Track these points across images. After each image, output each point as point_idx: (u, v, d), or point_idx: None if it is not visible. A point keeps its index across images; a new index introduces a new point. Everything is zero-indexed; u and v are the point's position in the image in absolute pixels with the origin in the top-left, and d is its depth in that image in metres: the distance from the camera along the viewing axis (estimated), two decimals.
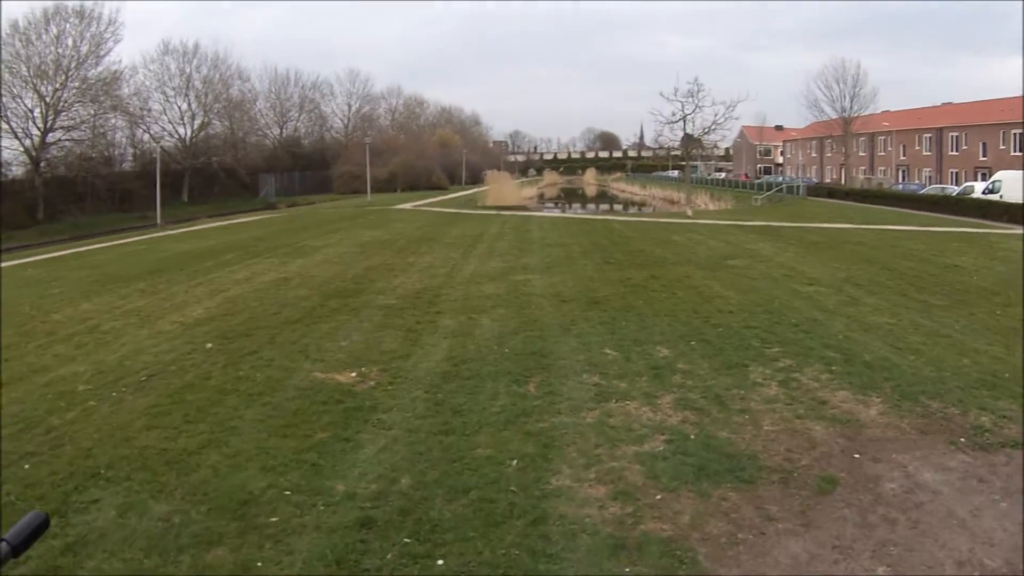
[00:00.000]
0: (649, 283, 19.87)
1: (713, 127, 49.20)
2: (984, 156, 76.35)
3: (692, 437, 9.20)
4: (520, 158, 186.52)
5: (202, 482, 8.24)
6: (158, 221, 60.34)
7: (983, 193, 50.41)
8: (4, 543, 2.10)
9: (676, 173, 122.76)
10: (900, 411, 10.08)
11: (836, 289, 18.73)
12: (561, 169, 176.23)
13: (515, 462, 8.46)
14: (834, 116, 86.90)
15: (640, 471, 8.26)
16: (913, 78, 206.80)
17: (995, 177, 52.13)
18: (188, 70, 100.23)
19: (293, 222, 48.77)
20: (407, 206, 63.13)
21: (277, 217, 57.71)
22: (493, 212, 54.57)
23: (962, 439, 9.11)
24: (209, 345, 14.07)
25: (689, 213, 46.47)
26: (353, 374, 11.70)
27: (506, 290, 19.35)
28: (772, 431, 9.44)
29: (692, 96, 49.08)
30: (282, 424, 9.91)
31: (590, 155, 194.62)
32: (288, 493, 7.93)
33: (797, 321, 15.16)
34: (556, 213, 56.76)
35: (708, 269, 22.25)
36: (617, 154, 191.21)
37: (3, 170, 77.21)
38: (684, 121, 49.33)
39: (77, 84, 79.57)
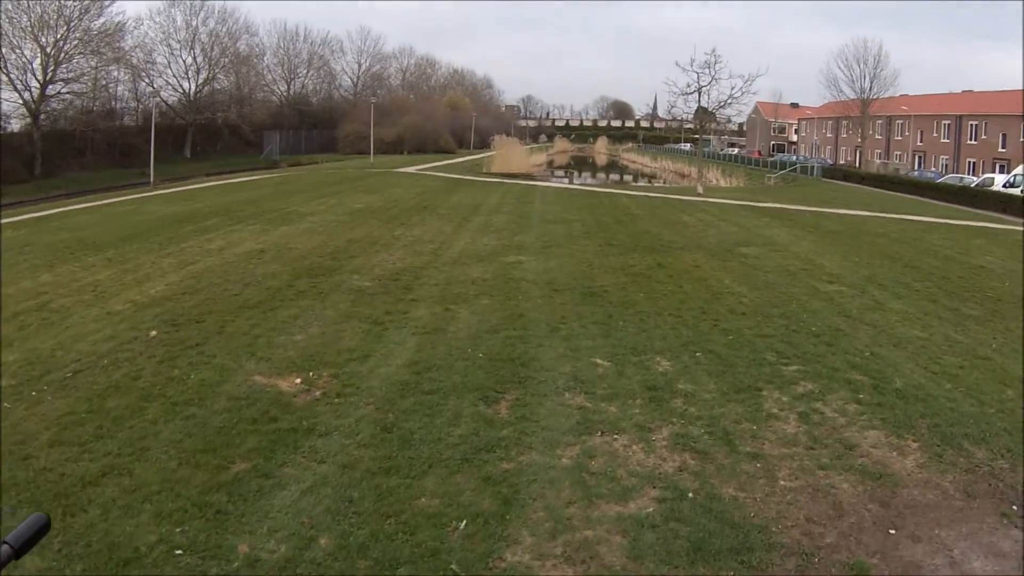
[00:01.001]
0: (654, 272, 18.16)
1: (729, 101, 47.07)
2: (1003, 147, 74.17)
3: (690, 495, 7.45)
4: (532, 124, 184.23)
5: (86, 528, 6.63)
6: (151, 180, 58.38)
7: (1004, 186, 48.70)
8: (6, 545, 2.09)
9: (688, 146, 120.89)
10: (941, 462, 8.36)
11: (859, 290, 16.95)
12: (572, 136, 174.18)
13: (463, 524, 6.73)
14: (852, 96, 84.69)
15: (621, 546, 6.52)
16: (933, 64, 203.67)
17: (1017, 171, 50.44)
18: (195, 23, 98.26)
19: (289, 184, 47.14)
20: (410, 169, 61.38)
21: (275, 177, 55.92)
22: (497, 180, 52.71)
23: (1015, 506, 7.47)
24: (153, 333, 12.52)
25: (700, 190, 44.58)
26: (298, 380, 10.20)
27: (494, 274, 17.67)
28: (789, 488, 7.70)
29: (709, 68, 46.93)
30: (199, 447, 8.29)
31: (602, 124, 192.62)
32: (179, 553, 6.30)
33: (818, 330, 13.41)
34: (562, 184, 54.54)
35: (719, 257, 20.48)
36: (629, 124, 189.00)
37: (1, 123, 75.26)
38: (699, 93, 47.19)
39: (79, 35, 77.48)
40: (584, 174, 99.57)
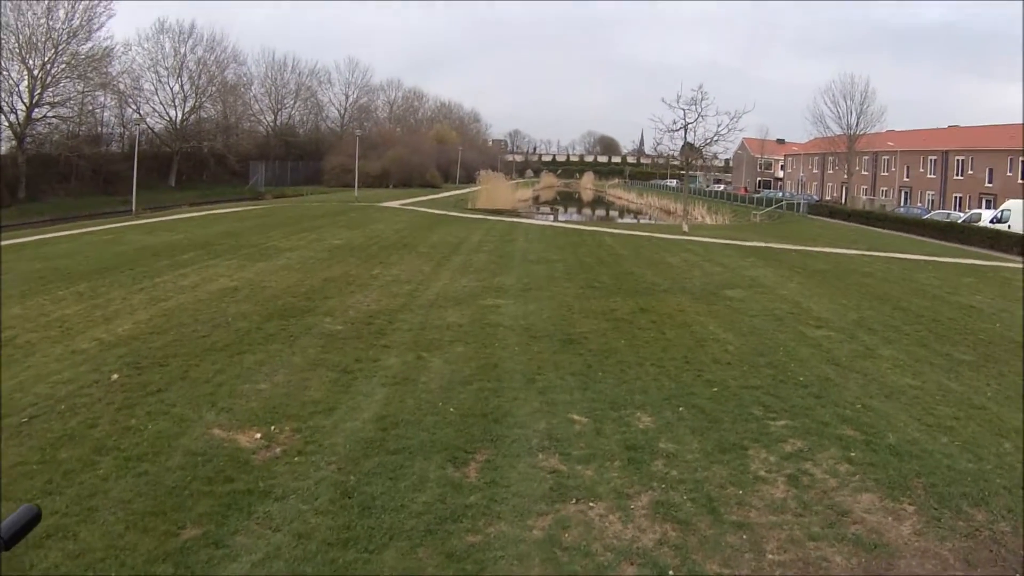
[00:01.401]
0: (636, 317, 17.58)
1: (716, 138, 46.80)
2: (990, 182, 74.33)
3: (671, 573, 6.84)
4: (519, 158, 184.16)
5: None
6: (132, 208, 57.80)
7: (991, 222, 48.51)
8: None
9: (675, 182, 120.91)
10: (939, 527, 7.80)
11: (848, 335, 16.44)
12: (559, 172, 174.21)
13: None
14: (839, 132, 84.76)
15: None
16: (919, 99, 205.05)
17: (1004, 206, 50.20)
18: (183, 51, 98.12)
19: (271, 216, 46.64)
20: (394, 204, 61.00)
21: (258, 209, 55.34)
22: (480, 217, 52.24)
23: (1018, 574, 6.97)
24: (115, 376, 11.88)
25: (685, 228, 44.18)
26: (258, 435, 9.54)
27: (471, 318, 17.05)
28: (778, 562, 7.12)
29: (695, 104, 46.70)
30: (149, 509, 7.65)
31: (589, 159, 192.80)
32: None
33: (806, 380, 12.86)
34: (546, 221, 54.02)
35: (703, 301, 19.91)
36: (616, 159, 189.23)
37: None
38: (685, 130, 46.93)
39: (66, 59, 77.08)
40: (570, 210, 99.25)
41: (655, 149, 58.50)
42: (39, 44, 74.81)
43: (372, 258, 26.98)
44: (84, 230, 37.33)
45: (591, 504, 8.02)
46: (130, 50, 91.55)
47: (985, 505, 8.30)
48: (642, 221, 77.48)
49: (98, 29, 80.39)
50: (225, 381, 11.64)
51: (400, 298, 19.32)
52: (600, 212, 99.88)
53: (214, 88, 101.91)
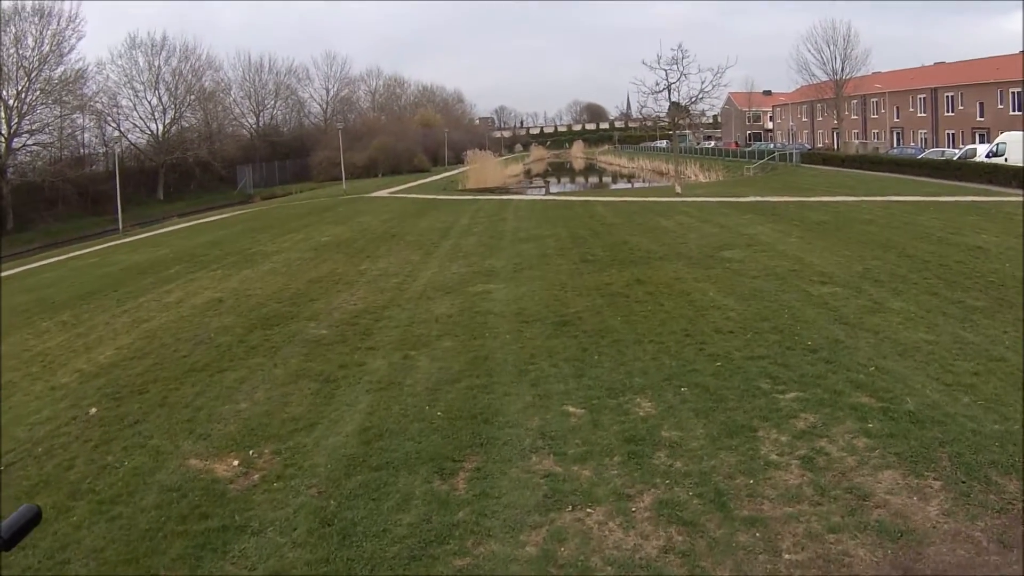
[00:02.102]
0: (632, 289, 16.81)
1: (700, 95, 45.88)
2: (981, 116, 73.29)
3: None
4: (506, 134, 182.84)
5: None
6: (120, 226, 57.12)
7: (986, 156, 47.64)
8: None
9: (664, 143, 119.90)
10: (969, 503, 7.08)
11: (855, 289, 15.69)
12: (548, 143, 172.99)
13: None
14: (825, 79, 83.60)
15: None
16: (902, 37, 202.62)
17: (999, 139, 49.20)
18: (157, 63, 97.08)
19: (258, 220, 45.87)
20: (383, 193, 60.11)
21: (246, 213, 54.62)
22: (470, 197, 51.39)
23: None
24: (93, 410, 11.31)
25: (678, 190, 43.37)
26: (236, 461, 8.94)
27: (460, 308, 16.29)
28: (796, 562, 6.43)
29: (676, 63, 45.71)
30: (121, 557, 7.11)
31: (577, 128, 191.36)
32: None
33: (815, 343, 12.13)
34: (537, 196, 53.10)
35: (701, 266, 19.15)
36: (604, 126, 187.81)
37: None
38: (669, 90, 46.01)
39: (40, 85, 76.14)
40: (563, 181, 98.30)
41: (640, 112, 57.48)
42: (11, 74, 73.80)
43: (359, 253, 26.16)
44: (70, 255, 36.95)
45: (589, 510, 7.33)
46: (104, 69, 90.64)
47: (1016, 472, 7.55)
48: (636, 186, 76.56)
49: (68, 52, 79.30)
50: (204, 404, 11.08)
51: (387, 293, 18.56)
52: (592, 180, 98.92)
53: (193, 97, 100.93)
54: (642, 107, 51.65)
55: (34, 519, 2.23)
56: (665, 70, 46.38)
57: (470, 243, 27.14)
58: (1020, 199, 31.13)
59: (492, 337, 13.87)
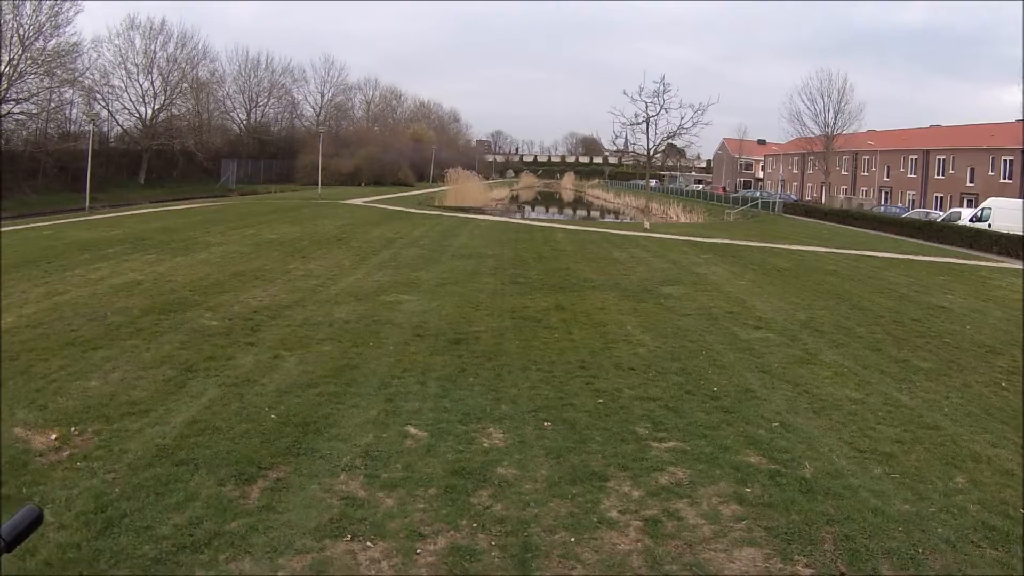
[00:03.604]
0: (547, 315, 15.51)
1: (679, 131, 44.66)
2: (971, 182, 72.37)
3: None
4: (500, 159, 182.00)
5: None
6: (86, 205, 55.66)
7: (971, 221, 46.53)
8: None
9: (654, 182, 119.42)
10: None
11: (790, 337, 14.29)
12: (540, 172, 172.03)
13: None
14: (816, 131, 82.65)
15: None
16: (899, 100, 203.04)
17: (984, 204, 48.21)
18: (153, 47, 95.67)
19: (221, 213, 44.58)
20: (356, 201, 58.77)
21: (215, 206, 53.20)
22: (436, 213, 49.98)
23: None
24: None
25: (646, 225, 42.08)
26: (54, 436, 8.31)
27: (361, 315, 15.13)
28: None
29: (658, 96, 44.58)
30: None
31: (571, 159, 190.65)
32: None
33: (721, 391, 10.70)
34: (504, 218, 51.78)
35: (633, 298, 17.76)
36: (598, 160, 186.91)
37: None
38: (647, 123, 44.79)
39: (32, 54, 74.80)
40: (539, 209, 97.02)
41: (613, 143, 56.57)
42: (6, 41, 72.54)
43: (296, 253, 24.97)
44: (29, 226, 35.46)
45: (369, 543, 6.25)
46: (100, 46, 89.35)
47: (915, 568, 6.08)
48: (615, 220, 75.49)
49: (65, 25, 77.88)
50: (60, 378, 10.45)
51: (300, 293, 17.43)
52: (573, 211, 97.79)
53: (186, 85, 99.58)
54: (616, 137, 50.79)
55: (35, 521, 2.11)
56: (646, 102, 45.29)
57: (409, 255, 25.77)
58: (1000, 265, 29.88)
59: (375, 347, 12.63)
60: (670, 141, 45.44)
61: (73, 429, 8.49)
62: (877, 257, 31.71)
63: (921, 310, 18.26)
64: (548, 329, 14.19)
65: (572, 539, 6.38)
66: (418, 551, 6.14)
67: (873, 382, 11.64)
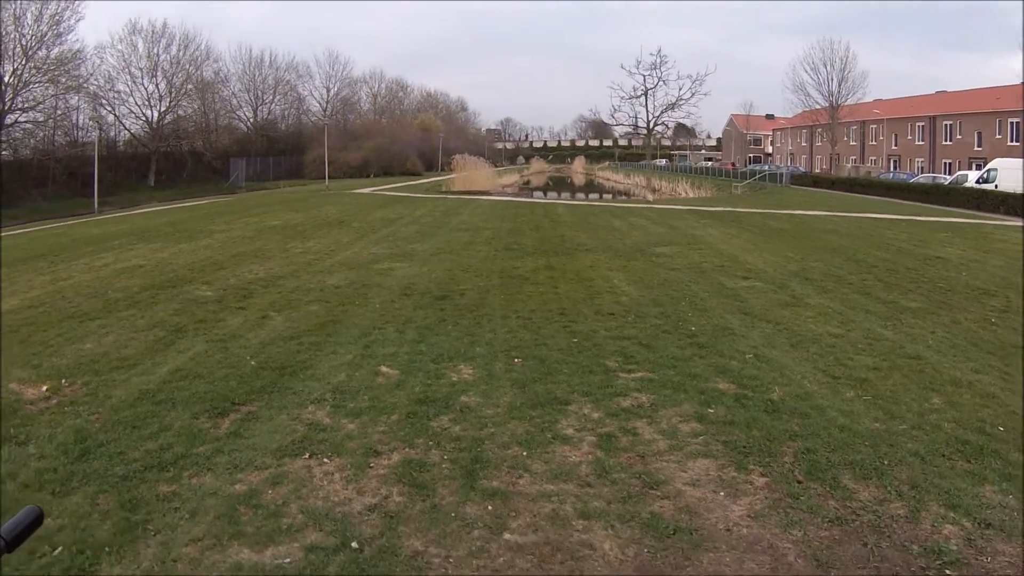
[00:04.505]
0: (535, 274, 15.55)
1: (678, 102, 44.53)
2: (979, 146, 71.75)
3: (354, 545, 5.08)
4: (510, 146, 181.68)
5: None
6: (95, 207, 56.09)
7: (977, 182, 46.20)
8: None
9: (664, 162, 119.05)
10: (793, 509, 5.58)
11: (778, 285, 14.27)
12: (550, 157, 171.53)
13: (58, 551, 5.04)
14: (821, 101, 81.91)
15: None
16: (904, 73, 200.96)
17: (990, 165, 47.80)
18: (156, 50, 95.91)
19: (228, 206, 44.75)
20: (364, 191, 58.75)
21: (222, 201, 53.44)
22: (441, 196, 49.99)
23: None
24: None
25: (649, 198, 41.99)
26: (45, 387, 8.56)
27: (352, 280, 15.22)
28: (515, 545, 5.09)
29: (655, 69, 44.44)
30: None
31: (580, 143, 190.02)
32: None
33: (698, 330, 10.73)
34: (505, 197, 51.69)
35: (624, 258, 17.80)
36: (608, 143, 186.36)
37: None
38: (646, 95, 44.66)
39: (35, 63, 75.12)
40: (550, 194, 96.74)
41: (612, 116, 56.20)
42: (9, 51, 72.87)
43: (298, 235, 24.98)
44: (39, 228, 36.06)
45: (326, 460, 6.49)
46: (103, 52, 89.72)
47: (878, 478, 6.03)
48: (620, 199, 75.33)
49: (67, 33, 78.18)
50: (56, 343, 10.64)
51: (295, 266, 17.47)
52: (585, 195, 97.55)
53: (190, 86, 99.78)
54: (614, 111, 50.48)
55: (36, 521, 2.10)
56: (644, 75, 45.14)
57: (408, 231, 25.81)
58: (1005, 223, 29.65)
59: (360, 305, 12.75)
60: (670, 114, 45.22)
61: (64, 381, 8.68)
62: (881, 218, 31.50)
63: (917, 260, 18.17)
64: (534, 285, 14.24)
65: (524, 453, 6.47)
66: (371, 465, 6.29)
67: (857, 320, 11.60)
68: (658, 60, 44.32)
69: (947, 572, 4.77)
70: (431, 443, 6.72)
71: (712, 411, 7.42)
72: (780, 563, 4.89)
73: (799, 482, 5.99)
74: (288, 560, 4.91)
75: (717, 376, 8.57)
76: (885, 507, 5.58)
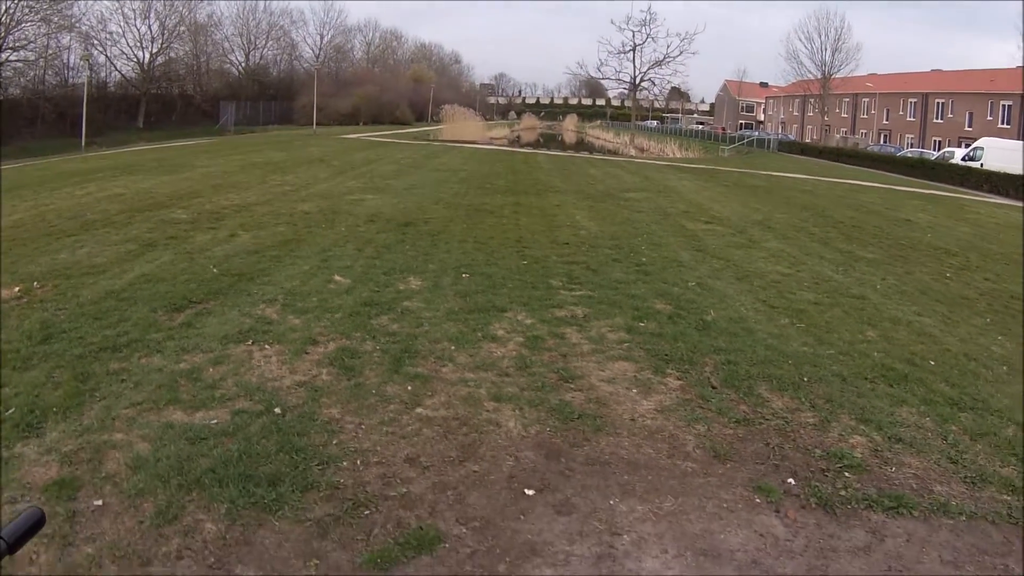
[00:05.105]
0: (502, 209, 15.79)
1: (666, 59, 44.52)
2: (969, 126, 71.87)
3: (277, 411, 5.47)
4: (503, 100, 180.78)
5: None
6: (82, 144, 55.91)
7: (962, 160, 46.39)
8: (0, 540, 1.96)
9: (654, 123, 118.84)
10: (701, 408, 5.87)
11: (738, 230, 14.53)
12: (542, 114, 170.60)
13: (10, 411, 5.40)
14: (814, 71, 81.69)
15: (136, 453, 4.83)
16: (903, 48, 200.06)
17: (977, 144, 47.99)
18: None
19: (215, 146, 44.60)
20: (350, 136, 58.55)
21: (210, 142, 53.35)
22: (425, 143, 49.89)
23: (791, 479, 4.90)
24: None
25: (632, 153, 42.09)
26: (17, 288, 8.78)
27: (322, 208, 15.41)
28: (423, 417, 5.47)
29: (644, 25, 44.38)
30: None
31: (574, 102, 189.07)
32: None
33: (648, 261, 11.03)
34: (493, 146, 51.61)
35: (593, 199, 18.04)
36: (601, 102, 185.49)
37: None
38: (634, 51, 44.65)
39: (28, 3, 74.26)
40: (539, 147, 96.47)
41: (599, 71, 56.18)
42: None
43: (278, 170, 24.98)
44: (27, 163, 35.67)
45: (266, 346, 6.85)
46: None
47: (794, 391, 6.27)
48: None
49: None
50: (32, 255, 10.74)
51: (270, 196, 17.59)
52: (571, 149, 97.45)
53: (183, 28, 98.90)
54: (601, 65, 50.44)
55: (38, 523, 2.06)
56: (633, 31, 45.05)
57: (386, 170, 25.88)
58: (984, 200, 29.84)
59: (326, 228, 12.98)
60: (657, 71, 45.18)
61: (36, 284, 8.89)
62: (859, 184, 31.68)
63: (885, 221, 18.43)
64: (498, 218, 14.47)
65: (453, 348, 6.79)
66: (308, 352, 6.62)
67: (808, 264, 11.88)
68: (648, 17, 44.07)
69: (846, 475, 4.98)
70: (367, 336, 7.03)
71: (643, 325, 7.69)
72: (678, 451, 5.16)
73: (714, 387, 6.25)
74: (215, 421, 5.23)
75: (656, 298, 8.84)
76: (796, 415, 5.82)
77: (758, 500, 4.60)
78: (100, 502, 4.27)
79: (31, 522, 2.06)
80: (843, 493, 4.73)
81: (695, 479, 4.81)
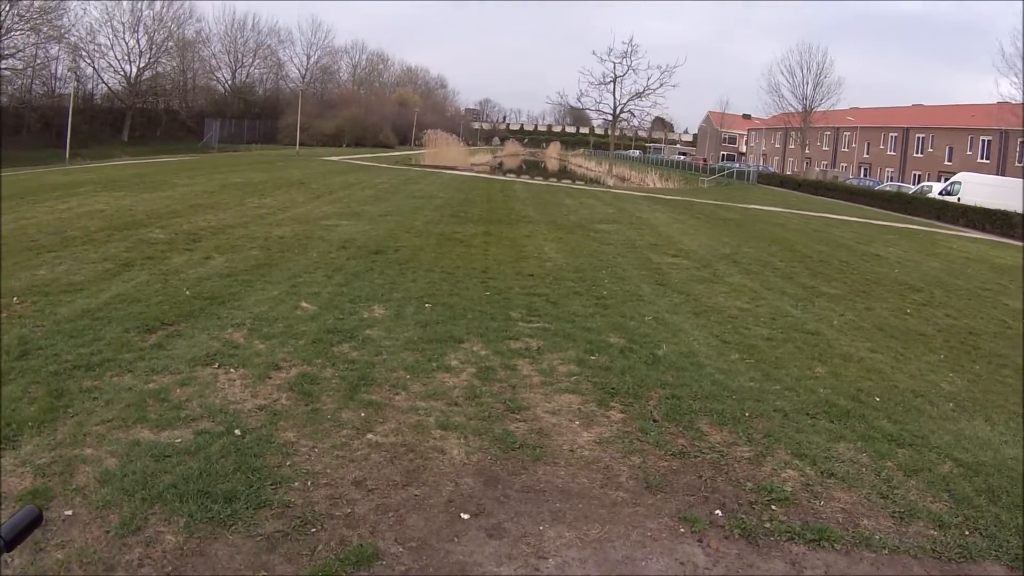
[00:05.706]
0: (472, 238, 16.14)
1: (646, 91, 45.07)
2: (949, 160, 72.76)
3: (237, 432, 5.80)
4: (487, 126, 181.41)
5: None
6: (66, 156, 56.02)
7: (940, 194, 46.97)
8: None
9: (637, 153, 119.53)
10: (640, 441, 6.13)
11: (703, 264, 14.90)
12: (526, 141, 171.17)
13: None
14: (795, 104, 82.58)
15: (107, 468, 5.14)
16: (886, 83, 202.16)
17: (954, 179, 48.57)
18: (140, 5, 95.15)
19: (195, 164, 44.72)
20: (332, 158, 58.82)
21: (191, 159, 53.48)
22: (405, 167, 50.20)
23: (718, 511, 5.13)
24: None
25: (610, 183, 42.56)
26: None
27: (297, 233, 15.71)
28: (373, 443, 5.77)
29: (626, 57, 44.92)
30: None
31: (557, 129, 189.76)
32: None
33: (609, 294, 11.37)
34: (468, 173, 51.88)
35: (564, 231, 18.39)
36: (584, 130, 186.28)
37: None
38: (615, 82, 45.18)
39: (18, 11, 74.39)
40: (521, 174, 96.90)
41: (579, 100, 56.65)
42: None
43: (256, 192, 25.29)
44: (12, 173, 35.73)
45: (231, 370, 7.16)
46: (87, 3, 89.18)
47: (734, 426, 6.52)
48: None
49: None
50: (13, 270, 11.05)
51: (247, 218, 17.91)
52: (557, 179, 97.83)
53: (171, 43, 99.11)
54: (581, 95, 50.86)
55: (35, 521, 2.12)
56: (614, 62, 45.57)
57: (363, 195, 26.21)
58: (959, 234, 30.30)
59: (299, 254, 13.32)
60: (637, 102, 45.70)
61: (15, 299, 9.17)
62: (834, 219, 32.12)
63: (854, 256, 18.78)
64: (467, 247, 14.79)
65: (408, 376, 7.12)
66: (270, 377, 6.96)
67: (768, 299, 12.19)
68: (629, 49, 44.66)
69: (773, 507, 5.23)
70: (328, 363, 7.37)
71: (594, 358, 8.01)
72: (611, 481, 5.45)
73: (654, 421, 6.52)
74: (179, 440, 5.55)
75: (611, 331, 9.16)
76: (732, 449, 6.08)
77: (683, 530, 4.83)
78: (70, 512, 4.56)
79: (28, 520, 2.14)
80: (768, 525, 4.94)
81: (624, 508, 5.07)
